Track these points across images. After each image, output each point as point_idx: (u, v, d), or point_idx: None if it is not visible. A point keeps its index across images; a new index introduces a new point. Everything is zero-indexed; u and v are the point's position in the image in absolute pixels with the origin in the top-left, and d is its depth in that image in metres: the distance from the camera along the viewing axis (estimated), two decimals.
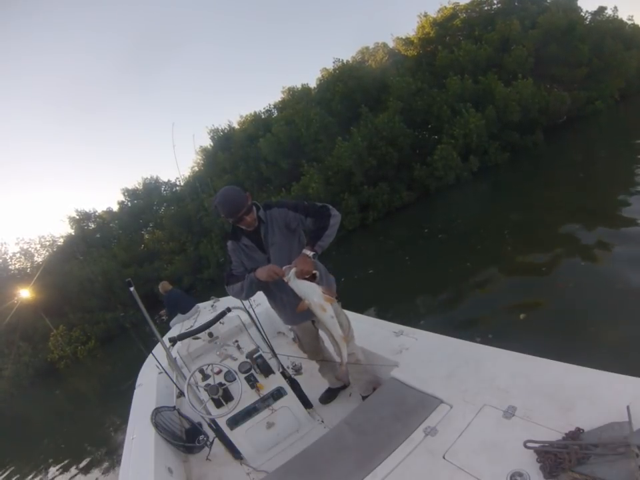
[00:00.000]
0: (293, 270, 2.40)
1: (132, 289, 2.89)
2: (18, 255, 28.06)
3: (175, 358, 3.51)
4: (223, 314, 3.55)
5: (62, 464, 7.81)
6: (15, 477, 8.42)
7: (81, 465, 7.39)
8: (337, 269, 12.44)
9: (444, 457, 1.93)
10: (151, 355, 5.07)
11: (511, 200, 13.12)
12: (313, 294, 2.40)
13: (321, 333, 3.17)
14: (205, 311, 6.89)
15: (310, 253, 2.51)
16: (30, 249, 28.48)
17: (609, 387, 1.85)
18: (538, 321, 5.31)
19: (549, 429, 1.78)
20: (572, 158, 15.75)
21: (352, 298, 9.20)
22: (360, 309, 8.21)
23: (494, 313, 6.12)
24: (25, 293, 20.74)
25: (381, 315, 7.98)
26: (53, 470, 7.79)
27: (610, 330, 4.59)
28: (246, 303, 3.41)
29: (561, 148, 18.09)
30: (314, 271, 2.50)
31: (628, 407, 1.60)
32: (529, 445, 1.70)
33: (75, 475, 7.18)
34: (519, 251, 8.28)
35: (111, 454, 7.13)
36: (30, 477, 8.00)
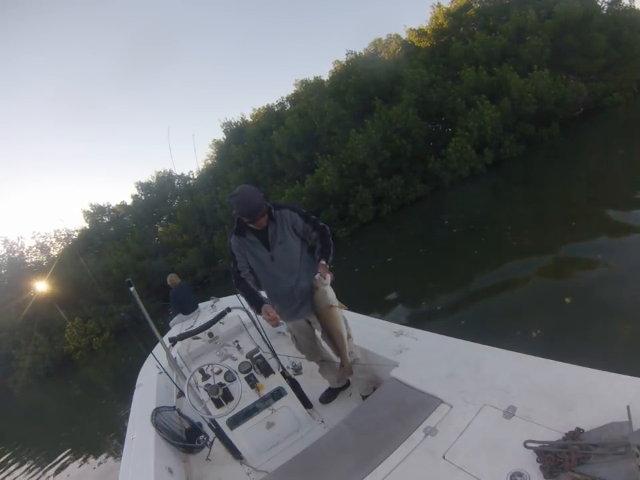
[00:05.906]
0: (329, 276, 2.72)
1: (132, 288, 2.93)
2: (34, 248, 28.75)
3: (175, 358, 3.55)
4: (223, 314, 3.58)
5: (76, 453, 8.02)
6: (31, 465, 8.63)
7: (94, 455, 7.56)
8: (352, 260, 12.52)
9: (444, 457, 1.93)
10: (151, 354, 5.09)
11: (526, 193, 13.03)
12: (333, 296, 2.72)
13: (318, 333, 3.17)
14: (205, 310, 6.93)
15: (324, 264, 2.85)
16: (46, 243, 29.14)
17: (609, 387, 1.83)
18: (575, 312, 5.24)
19: (548, 428, 1.78)
20: (588, 151, 15.56)
21: (365, 289, 9.30)
22: (373, 299, 8.31)
23: (533, 303, 5.97)
24: (41, 286, 21.12)
25: (396, 307, 8.06)
26: (66, 459, 7.99)
27: (624, 327, 4.54)
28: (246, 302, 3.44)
29: (578, 140, 17.77)
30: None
31: (628, 407, 1.59)
32: (529, 444, 1.70)
33: (88, 464, 7.35)
34: (533, 245, 8.22)
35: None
36: (44, 465, 8.21)
